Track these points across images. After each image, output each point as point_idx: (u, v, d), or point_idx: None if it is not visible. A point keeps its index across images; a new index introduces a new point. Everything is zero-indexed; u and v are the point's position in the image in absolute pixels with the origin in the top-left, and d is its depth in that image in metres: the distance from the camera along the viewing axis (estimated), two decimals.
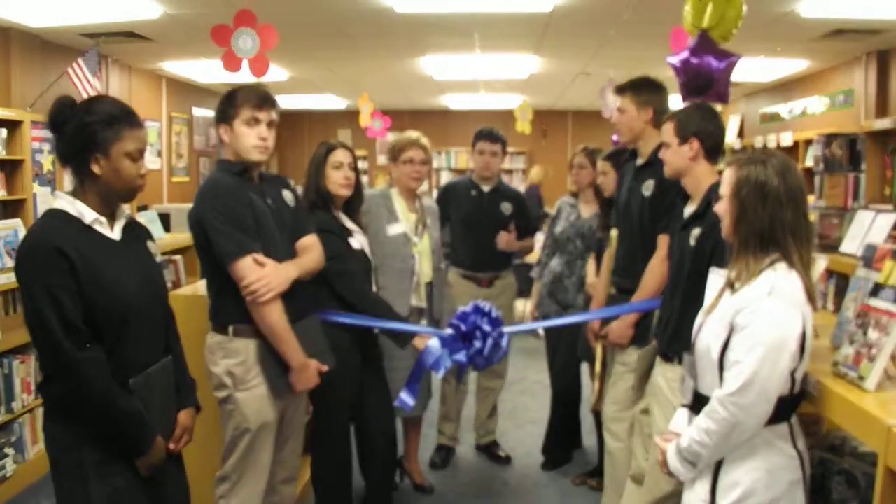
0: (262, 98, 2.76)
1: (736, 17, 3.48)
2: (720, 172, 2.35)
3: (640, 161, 3.32)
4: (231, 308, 2.71)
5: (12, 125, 5.58)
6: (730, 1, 3.45)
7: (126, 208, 2.35)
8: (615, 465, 3.38)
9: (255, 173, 2.82)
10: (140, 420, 2.21)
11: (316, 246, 2.95)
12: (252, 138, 2.73)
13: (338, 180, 3.31)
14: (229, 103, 2.76)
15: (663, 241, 3.09)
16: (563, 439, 4.63)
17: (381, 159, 12.75)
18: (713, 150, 2.78)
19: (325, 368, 2.89)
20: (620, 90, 3.33)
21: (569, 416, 4.62)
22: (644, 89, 3.28)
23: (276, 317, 2.68)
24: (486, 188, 4.53)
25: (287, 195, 2.94)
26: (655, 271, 3.15)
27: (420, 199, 3.96)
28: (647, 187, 3.19)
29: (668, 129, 2.80)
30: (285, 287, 2.69)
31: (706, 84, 3.37)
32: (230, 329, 2.73)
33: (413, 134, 3.91)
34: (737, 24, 3.51)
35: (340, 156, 3.32)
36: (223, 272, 2.65)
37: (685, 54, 3.42)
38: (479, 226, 4.38)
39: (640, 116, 3.26)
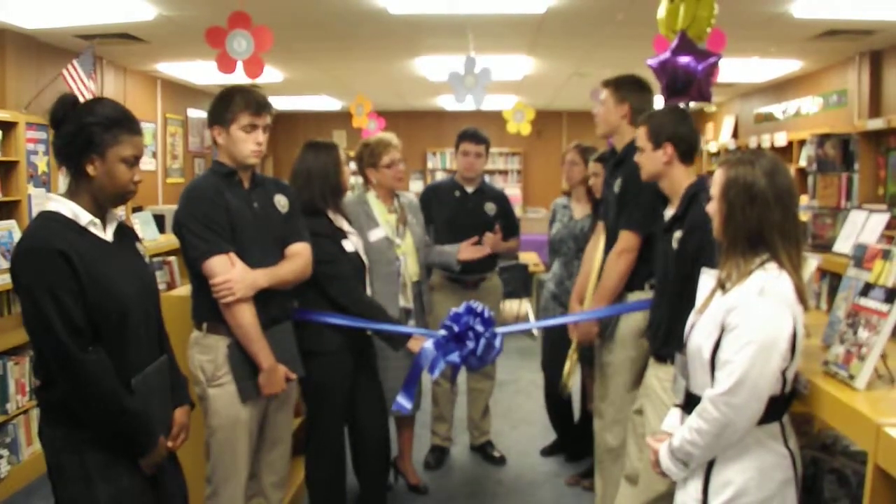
0: (260, 104, 2.78)
1: (708, 16, 3.51)
2: (710, 173, 2.37)
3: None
4: (205, 305, 2.75)
5: (7, 126, 5.58)
6: (700, 1, 3.47)
7: (120, 210, 2.36)
8: (615, 465, 3.39)
9: (245, 176, 2.84)
10: (144, 419, 2.22)
11: (301, 255, 2.94)
12: (250, 144, 2.77)
13: (348, 176, 3.37)
14: (226, 107, 2.76)
15: (622, 237, 3.14)
16: (573, 430, 4.63)
17: None
18: (687, 153, 2.81)
19: (293, 376, 2.90)
20: (605, 83, 3.37)
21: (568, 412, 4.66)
22: (625, 85, 3.30)
23: (246, 318, 2.71)
24: (469, 189, 4.52)
25: (280, 200, 2.93)
26: (610, 266, 3.20)
27: (398, 198, 3.96)
28: (617, 185, 3.23)
29: (642, 134, 2.83)
30: (249, 293, 2.70)
31: (686, 84, 3.39)
32: (204, 325, 2.79)
33: (385, 135, 3.90)
34: (709, 23, 3.53)
35: (343, 153, 3.39)
36: (197, 271, 2.72)
37: (663, 56, 3.45)
38: (464, 227, 4.33)
39: (617, 111, 3.28)
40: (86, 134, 2.15)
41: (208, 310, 2.74)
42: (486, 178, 4.76)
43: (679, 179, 2.79)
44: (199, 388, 2.78)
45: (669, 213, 2.82)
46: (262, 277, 2.76)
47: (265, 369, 2.77)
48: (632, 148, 2.99)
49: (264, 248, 2.82)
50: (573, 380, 3.78)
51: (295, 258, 2.92)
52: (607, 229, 3.38)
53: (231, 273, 2.66)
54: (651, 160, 2.81)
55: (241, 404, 2.77)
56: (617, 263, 3.17)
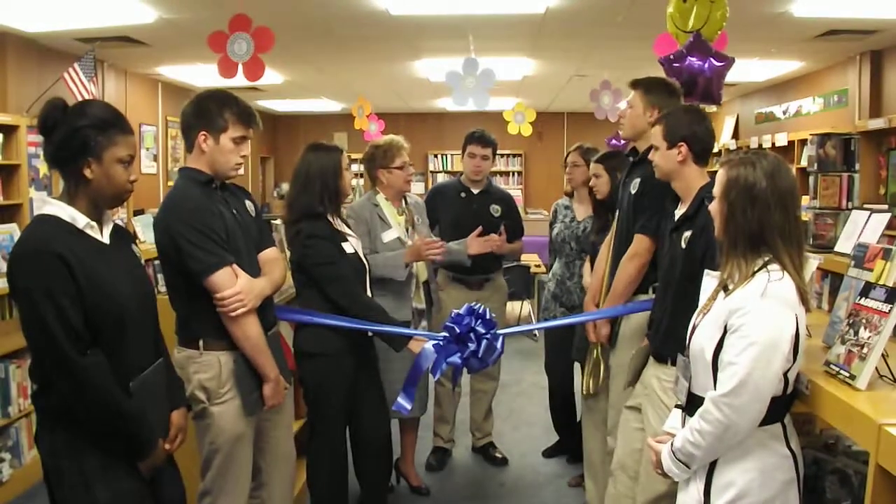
0: (253, 116, 2.71)
1: (721, 17, 3.50)
2: (713, 173, 2.36)
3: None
4: (202, 322, 2.64)
5: (8, 130, 5.59)
6: (715, 2, 3.47)
7: (122, 211, 2.34)
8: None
9: (217, 183, 2.72)
10: (143, 422, 2.22)
11: (280, 260, 2.91)
12: (236, 157, 2.68)
13: (349, 182, 3.36)
14: (219, 112, 2.64)
15: (637, 241, 3.12)
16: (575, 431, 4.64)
17: None
18: (702, 153, 2.79)
19: (288, 386, 2.89)
20: (634, 85, 3.28)
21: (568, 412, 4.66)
22: (655, 90, 3.23)
23: (255, 329, 2.65)
24: (475, 190, 4.53)
25: (250, 206, 2.86)
26: (622, 270, 3.18)
27: (405, 199, 3.99)
28: (634, 185, 3.20)
29: (657, 133, 2.81)
30: (258, 304, 2.65)
31: (695, 85, 3.38)
32: (200, 343, 2.65)
33: (396, 138, 3.93)
34: (721, 25, 3.53)
35: (346, 158, 3.38)
36: (194, 285, 2.58)
37: (674, 55, 3.44)
38: (469, 228, 4.33)
39: (646, 116, 3.21)
40: (81, 137, 2.12)
41: (205, 326, 2.64)
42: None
43: (692, 179, 2.78)
44: (200, 406, 2.66)
45: (679, 212, 2.82)
46: (268, 285, 2.73)
47: (272, 380, 2.73)
48: (651, 148, 2.97)
49: (249, 255, 2.75)
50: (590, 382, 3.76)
51: (277, 263, 2.87)
52: (618, 228, 3.37)
53: (239, 285, 2.58)
54: (665, 159, 2.79)
55: (245, 418, 2.70)
56: (628, 267, 3.15)
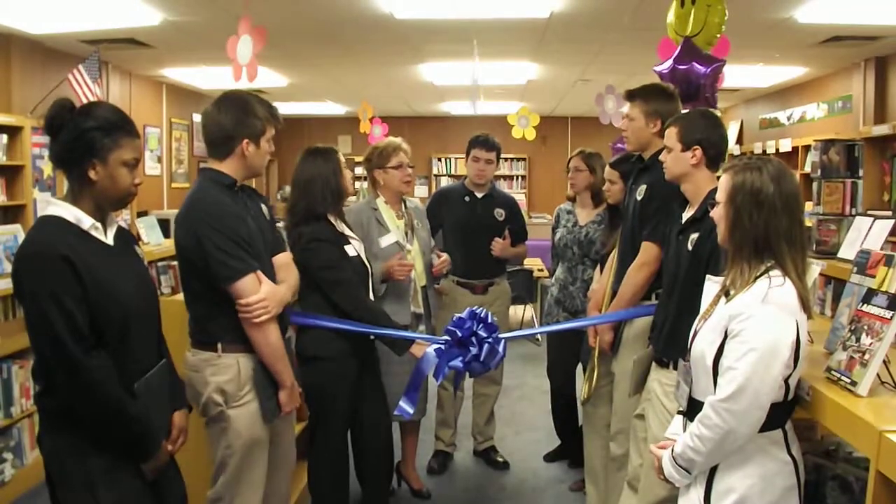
0: (278, 114, 2.74)
1: (719, 22, 3.50)
2: (718, 178, 2.36)
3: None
4: (222, 325, 2.60)
5: (13, 131, 5.61)
6: (711, 7, 3.47)
7: (125, 213, 2.35)
8: (619, 473, 3.39)
9: (238, 186, 2.71)
10: (148, 424, 2.22)
11: (292, 265, 2.89)
12: (267, 156, 2.73)
13: (350, 180, 3.36)
14: (257, 117, 2.64)
15: (644, 248, 3.10)
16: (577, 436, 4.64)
17: None
18: (715, 158, 2.77)
19: (300, 391, 2.87)
20: (630, 96, 3.24)
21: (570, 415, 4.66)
22: (654, 98, 3.18)
23: (275, 336, 2.62)
24: (479, 194, 4.53)
25: (265, 210, 2.85)
26: (630, 278, 3.16)
27: (404, 202, 3.99)
28: (640, 191, 3.18)
29: (672, 134, 2.79)
30: (280, 309, 2.63)
31: (694, 90, 3.38)
32: (219, 345, 2.61)
33: (395, 139, 3.94)
34: (720, 29, 3.53)
35: (342, 156, 3.38)
36: (214, 288, 2.55)
37: (670, 62, 3.44)
38: (473, 232, 4.36)
39: (648, 127, 3.17)
40: (87, 139, 2.13)
41: (225, 329, 2.60)
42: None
43: (702, 183, 2.76)
44: (217, 410, 2.61)
45: (687, 214, 2.81)
46: (287, 293, 2.72)
47: (288, 386, 2.71)
48: (659, 155, 2.96)
49: (267, 259, 2.74)
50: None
51: (291, 268, 2.86)
52: (623, 233, 3.37)
53: (264, 292, 2.56)
54: (678, 161, 2.78)
55: (262, 422, 2.66)
56: (637, 276, 3.13)
